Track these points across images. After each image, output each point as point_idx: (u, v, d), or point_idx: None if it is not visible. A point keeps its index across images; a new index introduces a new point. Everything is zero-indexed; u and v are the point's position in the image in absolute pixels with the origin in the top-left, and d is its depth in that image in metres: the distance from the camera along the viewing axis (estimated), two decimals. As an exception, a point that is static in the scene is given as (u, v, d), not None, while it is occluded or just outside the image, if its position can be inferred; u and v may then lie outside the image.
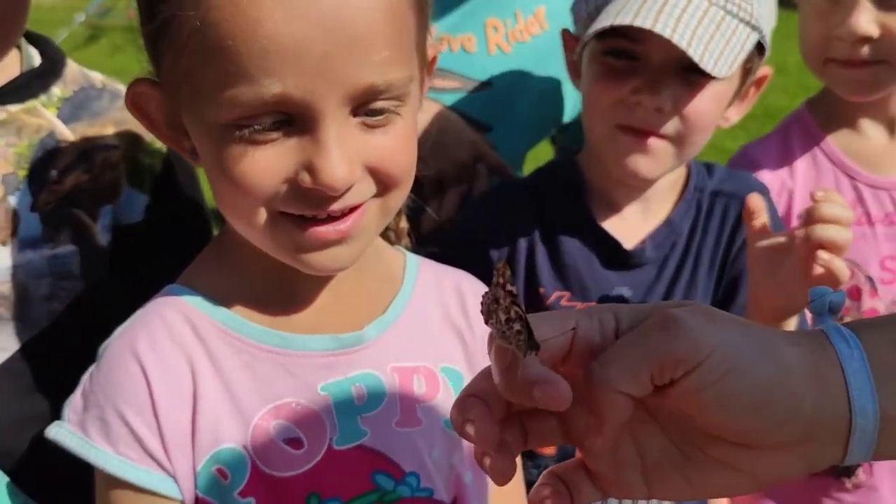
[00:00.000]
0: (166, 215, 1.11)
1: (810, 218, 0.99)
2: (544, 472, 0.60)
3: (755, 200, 1.04)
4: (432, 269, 0.96)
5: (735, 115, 1.16)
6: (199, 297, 0.84)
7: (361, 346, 0.86)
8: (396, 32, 0.73)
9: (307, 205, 0.74)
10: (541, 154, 1.72)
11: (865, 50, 1.21)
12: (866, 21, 1.18)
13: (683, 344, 0.52)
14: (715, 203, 1.18)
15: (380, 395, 0.85)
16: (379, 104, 0.73)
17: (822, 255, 0.98)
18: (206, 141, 0.75)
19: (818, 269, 0.99)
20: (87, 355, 1.09)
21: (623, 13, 1.00)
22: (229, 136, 0.72)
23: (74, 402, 0.82)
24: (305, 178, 0.72)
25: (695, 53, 0.98)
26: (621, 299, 1.16)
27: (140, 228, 1.09)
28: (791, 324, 1.06)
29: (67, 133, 1.04)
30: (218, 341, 0.82)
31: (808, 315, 1.20)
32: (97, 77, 1.10)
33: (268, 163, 0.72)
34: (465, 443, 0.88)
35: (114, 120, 1.08)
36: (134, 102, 0.81)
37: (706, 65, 0.99)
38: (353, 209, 0.76)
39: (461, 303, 0.94)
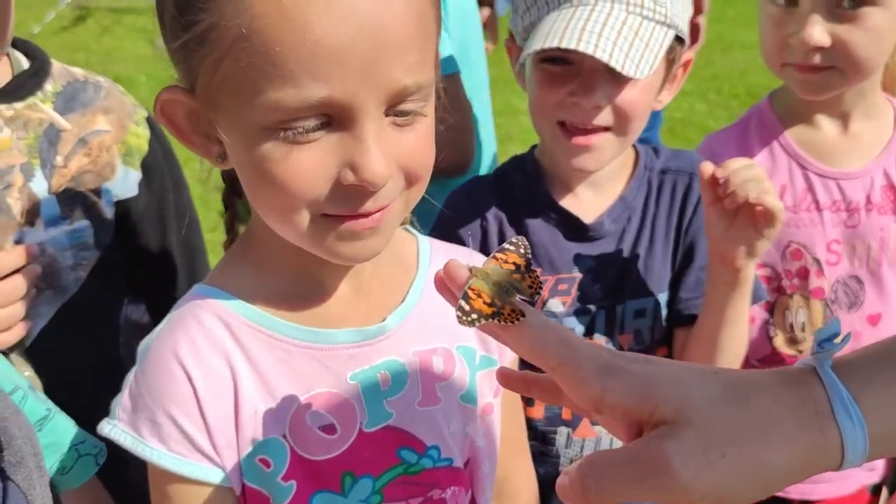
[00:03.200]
0: (155, 191, 1.23)
1: (731, 185, 1.11)
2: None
3: (706, 165, 1.15)
4: (443, 251, 1.01)
5: (667, 96, 1.27)
6: (231, 297, 0.87)
7: (384, 336, 0.90)
8: (424, 35, 0.76)
9: (347, 206, 0.77)
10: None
11: (817, 57, 1.28)
12: (819, 32, 1.26)
13: (677, 495, 0.54)
14: (664, 180, 1.29)
15: (403, 379, 0.91)
16: (408, 105, 0.77)
17: (751, 194, 1.10)
18: (244, 144, 0.76)
19: (759, 208, 1.11)
20: (110, 316, 1.24)
21: (551, 35, 1.10)
22: (271, 138, 0.73)
23: (123, 402, 0.85)
24: (348, 176, 0.74)
25: (616, 63, 1.08)
26: (587, 271, 1.26)
27: (136, 202, 1.21)
28: (750, 266, 1.17)
29: (65, 123, 1.13)
30: (252, 339, 0.86)
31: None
32: (78, 71, 1.20)
33: (312, 163, 0.74)
34: (478, 413, 0.97)
35: (101, 108, 1.18)
36: (163, 110, 0.82)
37: (628, 71, 1.09)
38: None
39: None
